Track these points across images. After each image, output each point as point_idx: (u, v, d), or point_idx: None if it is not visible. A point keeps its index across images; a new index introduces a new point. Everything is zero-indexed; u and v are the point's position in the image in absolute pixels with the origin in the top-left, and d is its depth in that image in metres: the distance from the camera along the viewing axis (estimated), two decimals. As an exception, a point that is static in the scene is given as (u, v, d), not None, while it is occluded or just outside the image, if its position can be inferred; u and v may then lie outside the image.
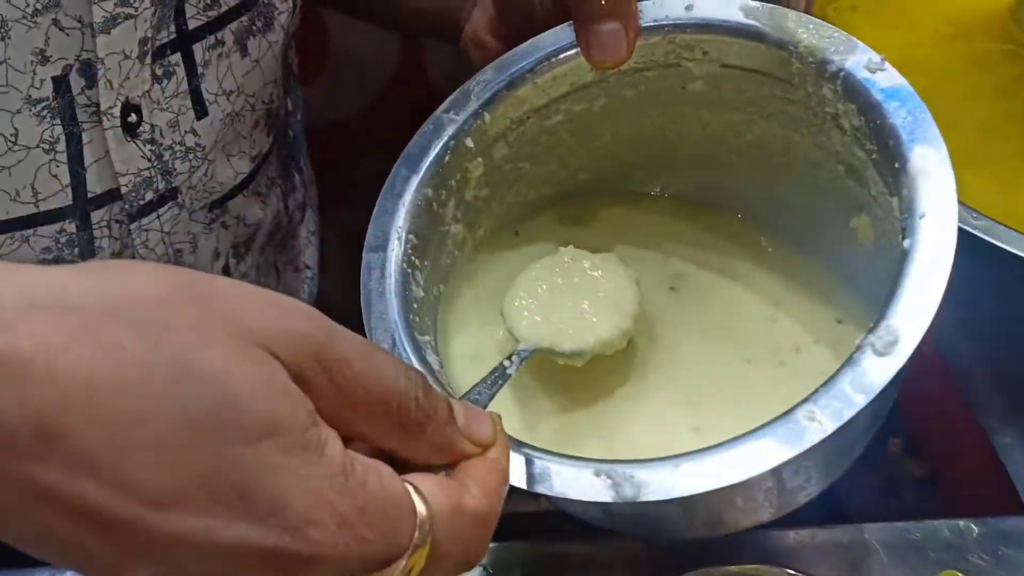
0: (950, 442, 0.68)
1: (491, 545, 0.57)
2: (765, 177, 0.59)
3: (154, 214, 0.58)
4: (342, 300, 0.54)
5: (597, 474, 0.44)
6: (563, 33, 0.56)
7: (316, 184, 0.74)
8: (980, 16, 0.73)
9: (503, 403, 0.51)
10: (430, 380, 0.46)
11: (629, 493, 0.43)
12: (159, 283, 0.34)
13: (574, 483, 0.44)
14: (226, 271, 0.63)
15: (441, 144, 0.55)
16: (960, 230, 0.46)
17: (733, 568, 0.52)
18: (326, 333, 0.36)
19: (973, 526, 0.57)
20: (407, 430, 0.37)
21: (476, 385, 0.46)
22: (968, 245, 0.46)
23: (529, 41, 0.57)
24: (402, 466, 0.38)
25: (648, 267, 0.59)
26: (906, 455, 0.70)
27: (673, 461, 0.43)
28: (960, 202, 0.47)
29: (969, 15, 0.73)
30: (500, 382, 0.47)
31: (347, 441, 0.36)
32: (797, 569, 0.53)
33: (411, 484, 0.36)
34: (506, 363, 0.49)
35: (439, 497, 0.37)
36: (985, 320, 0.60)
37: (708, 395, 0.54)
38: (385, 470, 0.36)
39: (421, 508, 0.36)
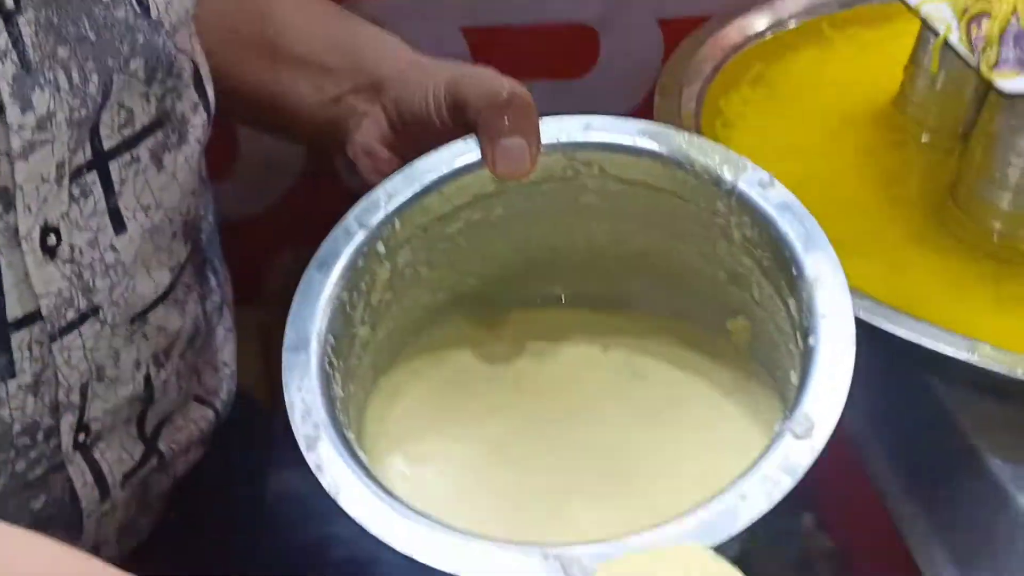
0: (858, 518, 0.71)
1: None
2: (647, 280, 0.63)
3: (75, 332, 0.57)
4: (269, 395, 0.54)
5: (545, 558, 0.45)
6: (464, 145, 0.59)
7: (229, 279, 0.74)
8: (868, 107, 0.80)
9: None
10: (361, 475, 0.49)
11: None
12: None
13: (521, 571, 0.45)
14: (147, 380, 0.62)
15: (354, 249, 0.57)
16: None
17: None
18: None
19: None
20: None
21: None
22: (859, 328, 0.52)
23: (431, 152, 0.60)
24: None
25: (585, 359, 0.61)
26: (818, 530, 0.74)
27: (621, 542, 0.45)
28: (849, 287, 0.53)
29: (858, 107, 0.80)
30: None
31: None
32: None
33: None
34: None
35: None
36: (880, 398, 0.65)
37: (643, 470, 0.56)
38: None
39: None
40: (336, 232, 0.57)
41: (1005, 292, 0.68)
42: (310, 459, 0.50)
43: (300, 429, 0.51)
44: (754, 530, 0.46)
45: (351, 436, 0.52)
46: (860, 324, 0.52)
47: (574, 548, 0.45)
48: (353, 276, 0.56)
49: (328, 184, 0.83)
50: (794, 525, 0.79)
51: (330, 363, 0.54)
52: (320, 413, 0.51)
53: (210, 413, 0.69)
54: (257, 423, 0.76)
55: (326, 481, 0.49)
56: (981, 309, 0.66)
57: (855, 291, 0.52)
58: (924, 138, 0.78)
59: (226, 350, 0.71)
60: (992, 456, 0.59)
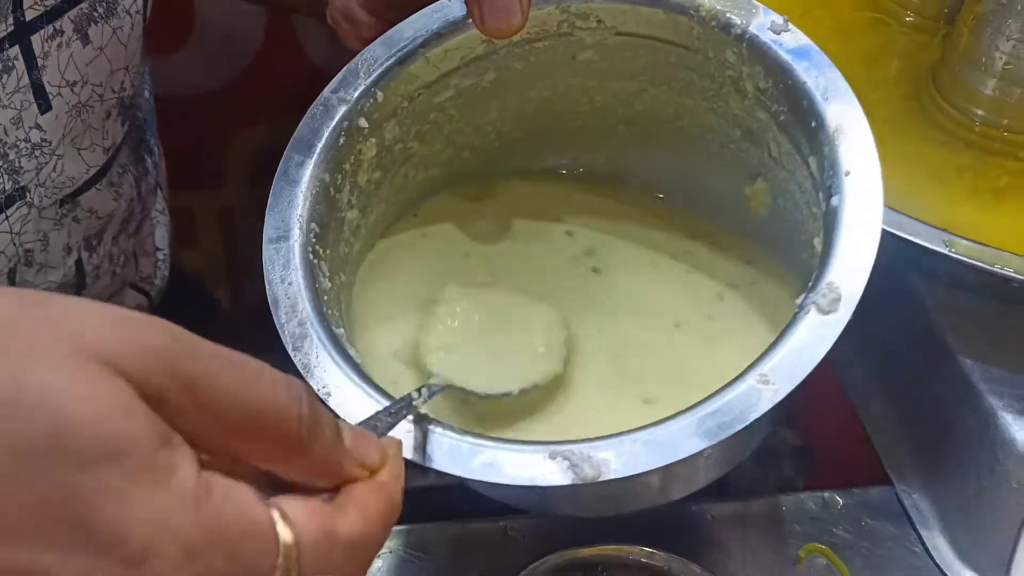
0: (824, 414, 0.71)
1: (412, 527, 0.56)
2: (655, 145, 0.59)
3: (2, 215, 0.54)
4: (226, 283, 0.53)
5: (552, 456, 0.42)
6: (450, 7, 0.55)
7: (175, 158, 0.71)
8: (845, -15, 0.74)
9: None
10: (353, 375, 0.46)
11: (589, 473, 0.41)
12: None
13: (530, 468, 0.42)
14: (79, 265, 0.59)
15: (333, 126, 0.52)
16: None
17: (585, 552, 0.53)
18: (184, 346, 0.33)
19: (838, 498, 0.60)
20: (287, 449, 0.35)
21: (377, 413, 0.43)
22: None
23: (413, 16, 0.55)
24: (285, 488, 0.35)
25: (559, 245, 0.58)
26: (784, 426, 0.74)
27: (630, 436, 0.42)
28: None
29: (837, -19, 0.74)
30: (405, 412, 0.43)
31: (223, 462, 0.34)
32: (664, 548, 0.53)
33: (278, 509, 0.34)
34: (414, 395, 0.44)
35: (308, 523, 0.34)
36: None
37: (649, 366, 0.53)
38: (246, 494, 0.33)
39: (285, 535, 0.34)
40: (314, 109, 0.53)
41: (984, 185, 0.66)
42: (297, 360, 0.46)
43: (285, 327, 0.47)
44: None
45: (340, 332, 0.49)
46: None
47: (581, 445, 0.42)
48: (335, 156, 0.52)
49: (291, 58, 0.79)
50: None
51: (314, 252, 0.50)
52: (306, 309, 0.48)
53: (143, 300, 0.67)
54: (199, 312, 0.74)
55: (315, 383, 0.46)
56: (959, 202, 0.64)
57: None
58: (908, 17, 0.75)
59: (158, 234, 0.68)
60: (963, 354, 0.58)
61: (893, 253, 0.60)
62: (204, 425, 0.33)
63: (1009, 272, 0.56)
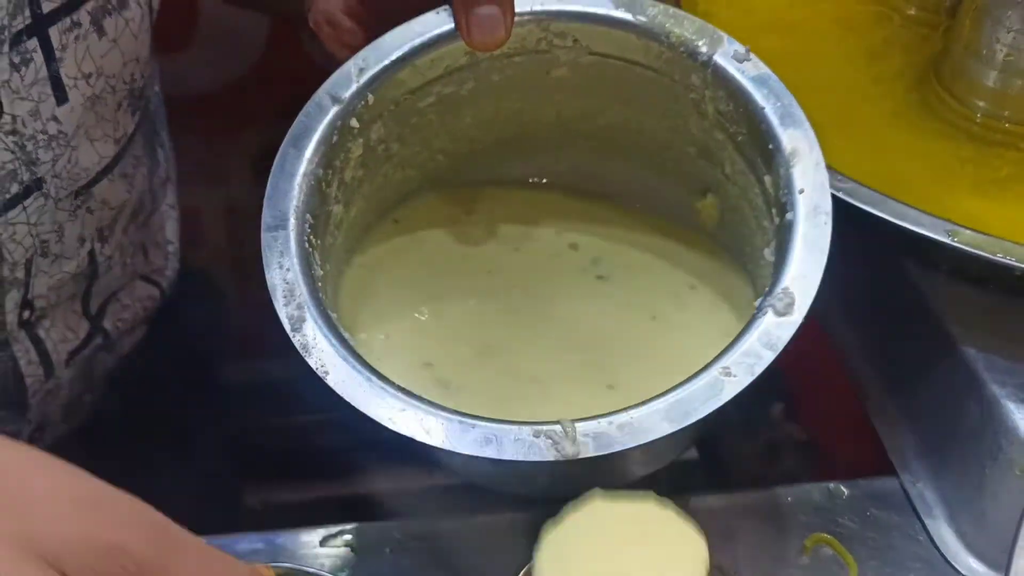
0: (828, 407, 0.72)
1: (358, 525, 0.58)
2: (613, 158, 0.63)
3: (20, 206, 0.56)
4: (232, 280, 0.54)
5: (536, 435, 0.46)
6: (436, 20, 0.58)
7: (182, 156, 0.73)
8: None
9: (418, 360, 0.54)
10: (348, 356, 0.49)
11: (570, 451, 0.46)
12: None
13: (518, 446, 0.46)
14: (91, 256, 0.61)
15: (327, 124, 0.55)
16: (832, 196, 0.51)
17: None
18: (157, 549, 0.31)
19: (843, 488, 0.60)
20: None
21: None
22: (836, 210, 0.51)
23: (402, 25, 0.58)
24: None
25: (555, 249, 0.62)
26: (787, 420, 0.75)
27: (607, 419, 0.46)
28: (828, 166, 0.52)
29: (842, -22, 0.76)
30: None
31: None
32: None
33: None
34: None
35: None
36: (855, 284, 0.64)
37: (621, 354, 0.57)
38: None
39: None
40: (309, 107, 0.56)
41: (986, 176, 0.67)
42: (296, 341, 0.49)
43: (284, 310, 0.50)
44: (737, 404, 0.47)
45: (335, 316, 0.52)
46: (839, 206, 0.52)
47: (562, 426, 0.46)
48: (328, 152, 0.55)
49: (295, 58, 0.80)
50: (763, 415, 0.80)
51: (309, 242, 0.53)
52: (303, 293, 0.51)
53: (155, 292, 0.69)
54: (208, 306, 0.75)
55: (313, 362, 0.49)
56: (961, 193, 0.65)
57: (834, 172, 0.52)
58: (910, 11, 0.76)
59: (169, 227, 0.71)
60: (966, 344, 0.59)
61: (896, 244, 0.61)
62: None
63: (1012, 261, 0.57)
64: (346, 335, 0.50)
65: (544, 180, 0.64)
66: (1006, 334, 0.59)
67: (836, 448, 0.76)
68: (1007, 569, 0.46)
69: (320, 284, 0.52)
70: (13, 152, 0.55)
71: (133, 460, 0.67)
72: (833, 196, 0.52)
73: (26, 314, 0.59)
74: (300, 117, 0.55)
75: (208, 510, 0.56)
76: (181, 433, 0.73)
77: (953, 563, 0.58)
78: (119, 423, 0.69)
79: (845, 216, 0.53)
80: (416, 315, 0.59)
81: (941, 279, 0.62)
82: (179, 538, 0.32)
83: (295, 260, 0.51)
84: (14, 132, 0.55)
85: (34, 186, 0.56)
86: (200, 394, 0.79)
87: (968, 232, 0.58)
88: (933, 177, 0.66)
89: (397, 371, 0.52)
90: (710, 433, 0.53)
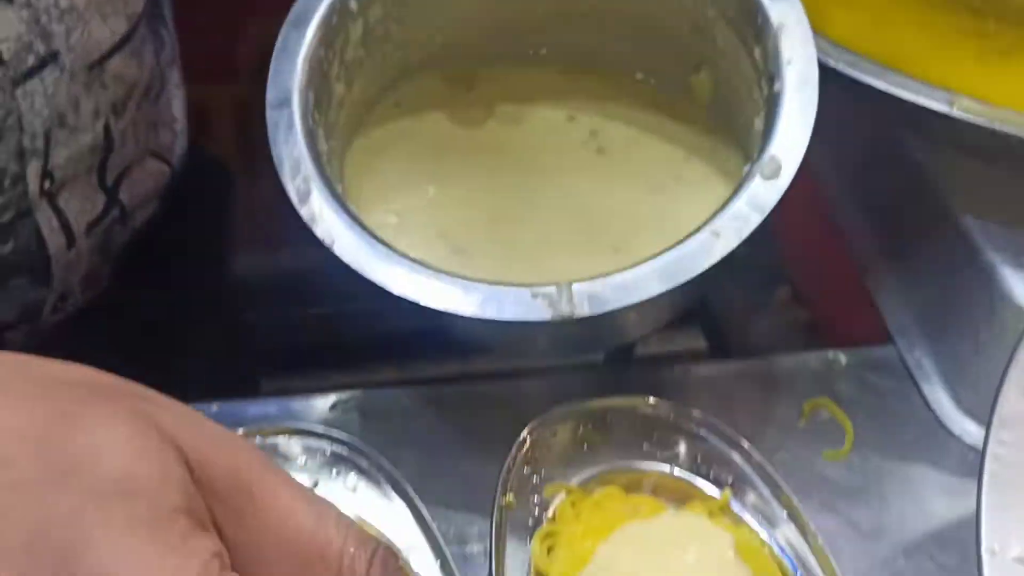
0: (833, 287, 0.73)
1: (368, 391, 0.60)
2: (609, 36, 0.63)
3: (36, 78, 0.57)
4: (242, 174, 0.54)
5: (534, 296, 0.48)
6: None
7: (189, 48, 0.74)
8: None
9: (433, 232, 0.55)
10: (355, 226, 0.50)
11: (566, 311, 0.47)
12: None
13: (516, 306, 0.47)
14: (107, 130, 0.63)
15: (327, 5, 0.56)
16: (831, 69, 0.51)
17: (592, 404, 0.54)
18: (256, 464, 0.33)
19: (842, 356, 0.62)
20: None
21: None
22: (838, 84, 0.52)
23: None
24: None
25: (554, 124, 0.63)
26: (793, 303, 0.76)
27: (600, 281, 0.48)
28: (827, 39, 0.52)
29: None
30: None
31: None
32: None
33: None
34: None
35: None
36: (858, 159, 0.65)
37: (623, 221, 0.59)
38: None
39: None
40: None
41: (988, 46, 0.66)
42: (303, 212, 0.51)
43: (291, 184, 0.51)
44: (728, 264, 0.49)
45: (340, 189, 0.53)
46: (841, 78, 0.52)
47: (557, 287, 0.48)
48: (328, 33, 0.56)
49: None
50: (770, 299, 0.81)
51: (313, 119, 0.54)
52: (309, 167, 0.52)
53: (165, 168, 0.71)
54: (216, 184, 0.77)
55: (320, 231, 0.50)
56: (963, 65, 0.65)
57: (835, 44, 0.52)
58: None
59: (176, 105, 0.72)
60: (964, 213, 0.60)
61: (895, 116, 0.61)
62: (252, 537, 0.32)
63: (1011, 130, 0.57)
64: (352, 207, 0.52)
65: (544, 51, 0.65)
66: (1004, 204, 0.60)
67: (841, 328, 0.77)
68: (990, 415, 0.48)
69: (325, 159, 0.54)
70: (28, 24, 0.56)
71: (149, 337, 0.69)
72: (833, 69, 0.54)
73: (47, 184, 0.61)
74: (299, 1, 0.56)
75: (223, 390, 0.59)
76: (196, 317, 0.75)
77: (947, 425, 0.60)
78: (133, 302, 0.71)
79: (847, 88, 0.53)
80: (424, 192, 0.60)
81: (941, 152, 0.62)
82: (278, 472, 0.34)
83: (299, 136, 0.53)
84: (28, 5, 0.56)
85: (49, 58, 0.58)
86: (212, 282, 0.81)
87: (967, 100, 0.58)
88: (934, 50, 0.66)
89: (414, 244, 0.54)
90: (703, 294, 0.54)
